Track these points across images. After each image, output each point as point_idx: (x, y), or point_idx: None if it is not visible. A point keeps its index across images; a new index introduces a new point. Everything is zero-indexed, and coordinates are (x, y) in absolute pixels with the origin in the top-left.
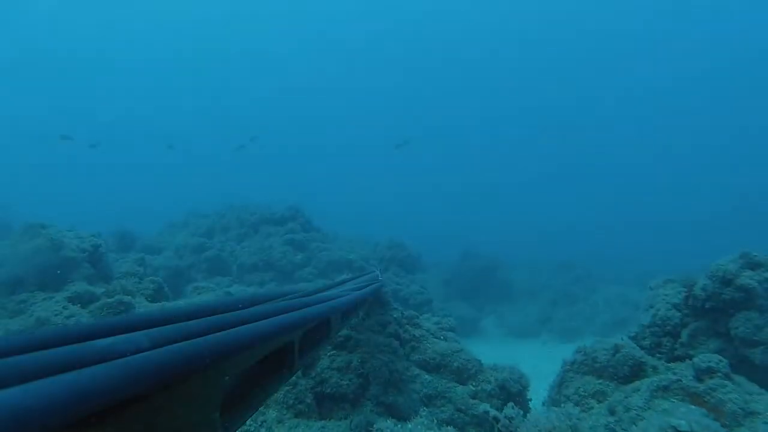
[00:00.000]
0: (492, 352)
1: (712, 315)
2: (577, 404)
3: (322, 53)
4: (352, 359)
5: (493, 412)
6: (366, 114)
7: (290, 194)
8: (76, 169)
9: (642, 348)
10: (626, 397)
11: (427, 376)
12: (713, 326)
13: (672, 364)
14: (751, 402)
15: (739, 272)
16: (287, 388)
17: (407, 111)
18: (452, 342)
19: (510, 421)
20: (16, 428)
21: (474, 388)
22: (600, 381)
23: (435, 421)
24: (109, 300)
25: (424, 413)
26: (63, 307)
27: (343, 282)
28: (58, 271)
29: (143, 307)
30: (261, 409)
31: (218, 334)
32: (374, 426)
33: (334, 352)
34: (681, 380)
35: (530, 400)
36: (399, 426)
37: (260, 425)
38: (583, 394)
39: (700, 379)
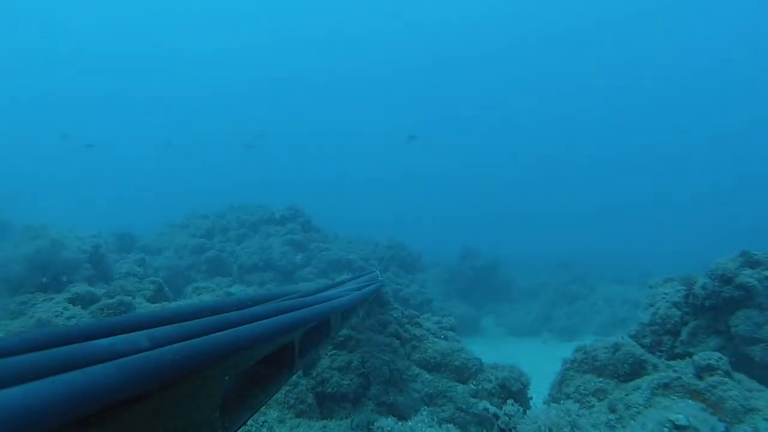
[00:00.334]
0: (492, 351)
1: (712, 313)
2: (577, 402)
3: (321, 53)
4: (353, 359)
5: (492, 409)
6: (366, 114)
7: (290, 194)
8: (76, 169)
9: (642, 346)
10: (627, 395)
11: (427, 376)
12: (713, 324)
13: (672, 362)
14: (751, 399)
15: (738, 270)
16: (288, 388)
17: (407, 111)
18: (452, 341)
19: (509, 418)
20: (16, 428)
21: (474, 387)
22: (600, 379)
23: (436, 419)
24: (109, 300)
25: (425, 412)
26: (64, 308)
27: (343, 282)
28: (62, 276)
29: (143, 307)
30: (262, 409)
31: (218, 334)
32: (375, 424)
33: (335, 351)
34: (681, 378)
35: (531, 398)
36: (400, 424)
37: (261, 425)
38: (583, 392)
39: (700, 377)
